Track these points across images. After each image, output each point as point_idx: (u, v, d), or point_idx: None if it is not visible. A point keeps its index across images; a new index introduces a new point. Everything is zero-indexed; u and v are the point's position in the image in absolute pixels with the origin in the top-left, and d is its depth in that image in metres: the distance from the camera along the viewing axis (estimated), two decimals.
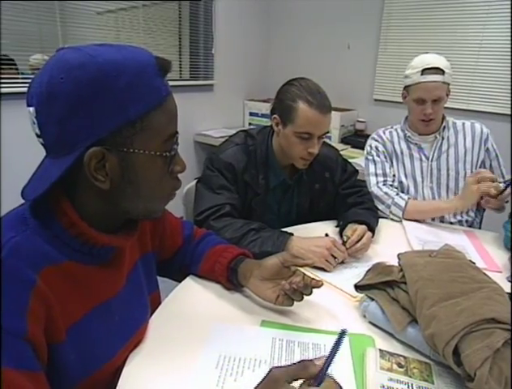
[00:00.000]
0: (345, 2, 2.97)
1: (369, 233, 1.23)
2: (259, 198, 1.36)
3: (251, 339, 0.83)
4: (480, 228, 1.69)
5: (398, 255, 0.95)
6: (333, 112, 3.25)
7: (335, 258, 1.13)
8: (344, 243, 1.19)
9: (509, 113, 2.39)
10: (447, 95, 1.57)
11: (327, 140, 2.88)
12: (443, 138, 1.63)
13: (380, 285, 0.91)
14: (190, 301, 0.95)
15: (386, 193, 1.58)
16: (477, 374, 0.65)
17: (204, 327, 0.85)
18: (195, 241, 1.06)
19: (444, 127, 1.64)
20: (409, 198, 1.56)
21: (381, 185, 1.61)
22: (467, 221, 1.65)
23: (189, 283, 1.02)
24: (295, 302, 0.88)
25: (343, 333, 0.52)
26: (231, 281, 0.97)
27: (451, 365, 0.70)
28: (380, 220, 1.41)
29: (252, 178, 1.33)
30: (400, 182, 1.65)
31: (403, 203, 1.54)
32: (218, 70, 3.12)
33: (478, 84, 2.51)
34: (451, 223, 1.61)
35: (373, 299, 0.90)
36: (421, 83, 1.51)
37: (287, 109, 1.23)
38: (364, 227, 1.24)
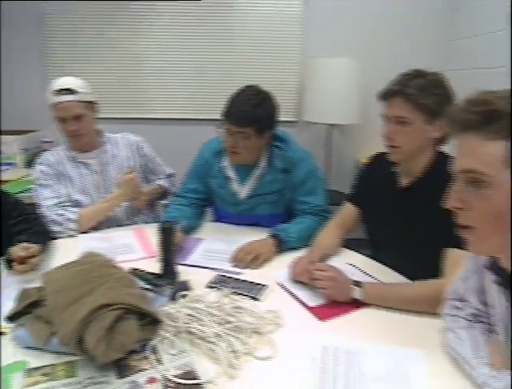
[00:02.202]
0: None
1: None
2: None
3: None
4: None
5: (41, 275, 1.03)
6: (9, 136, 3.02)
7: None
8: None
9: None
10: (94, 111, 1.76)
11: (8, 167, 2.69)
12: (105, 152, 1.81)
13: (29, 309, 0.97)
14: None
15: (60, 214, 1.63)
16: (96, 353, 0.81)
17: None
18: None
19: (105, 142, 1.83)
20: (78, 210, 1.67)
21: (54, 208, 1.65)
22: (143, 219, 1.88)
23: None
24: None
25: None
26: None
27: (81, 354, 0.84)
28: (59, 240, 1.46)
29: None
30: (76, 200, 1.73)
31: (74, 216, 1.64)
32: None
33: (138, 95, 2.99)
34: (127, 224, 1.80)
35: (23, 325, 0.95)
36: (58, 103, 1.65)
37: None
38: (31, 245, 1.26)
